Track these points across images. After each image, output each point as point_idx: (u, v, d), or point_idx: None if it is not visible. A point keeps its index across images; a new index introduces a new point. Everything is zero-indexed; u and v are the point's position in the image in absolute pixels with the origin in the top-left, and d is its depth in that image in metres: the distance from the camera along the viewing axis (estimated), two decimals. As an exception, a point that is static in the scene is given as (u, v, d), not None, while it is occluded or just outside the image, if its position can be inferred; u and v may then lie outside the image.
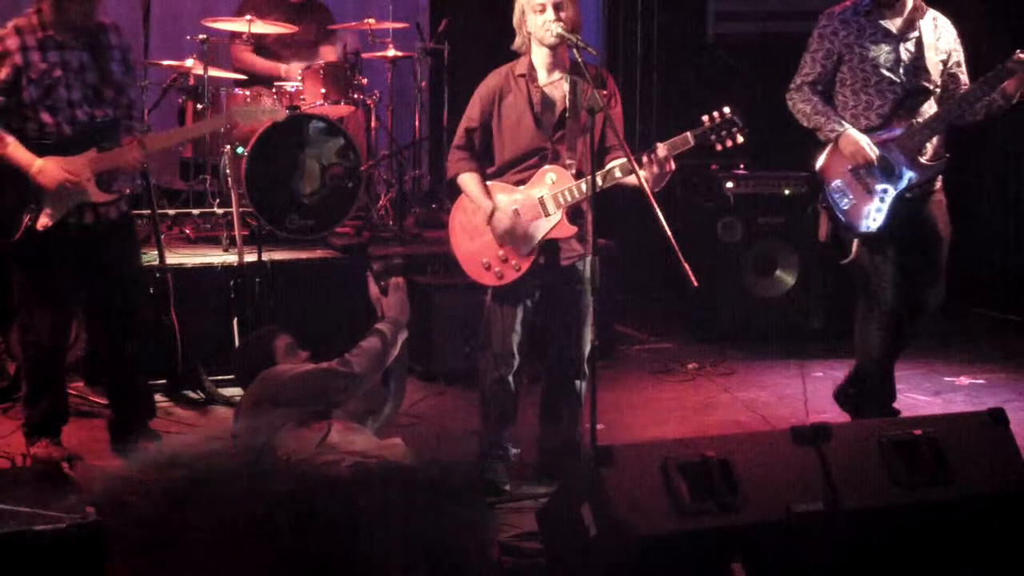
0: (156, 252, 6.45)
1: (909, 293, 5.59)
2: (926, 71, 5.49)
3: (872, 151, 5.43)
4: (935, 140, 5.51)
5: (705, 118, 5.09)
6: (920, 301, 5.66)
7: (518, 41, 5.28)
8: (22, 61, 5.19)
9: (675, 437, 5.56)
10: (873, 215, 5.47)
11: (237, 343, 6.61)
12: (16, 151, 5.17)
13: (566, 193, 5.15)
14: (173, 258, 6.77)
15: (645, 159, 5.03)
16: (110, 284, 5.46)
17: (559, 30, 5.08)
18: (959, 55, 5.60)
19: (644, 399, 6.67)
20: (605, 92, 5.10)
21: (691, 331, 7.94)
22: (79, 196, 5.27)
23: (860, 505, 3.98)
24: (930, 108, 5.51)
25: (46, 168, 5.18)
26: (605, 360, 6.78)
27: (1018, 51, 5.26)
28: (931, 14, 5.57)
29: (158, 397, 6.20)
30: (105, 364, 5.75)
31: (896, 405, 6.00)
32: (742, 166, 7.88)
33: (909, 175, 5.46)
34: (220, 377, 6.54)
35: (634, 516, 3.77)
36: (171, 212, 7.72)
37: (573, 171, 5.19)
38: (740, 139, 5.07)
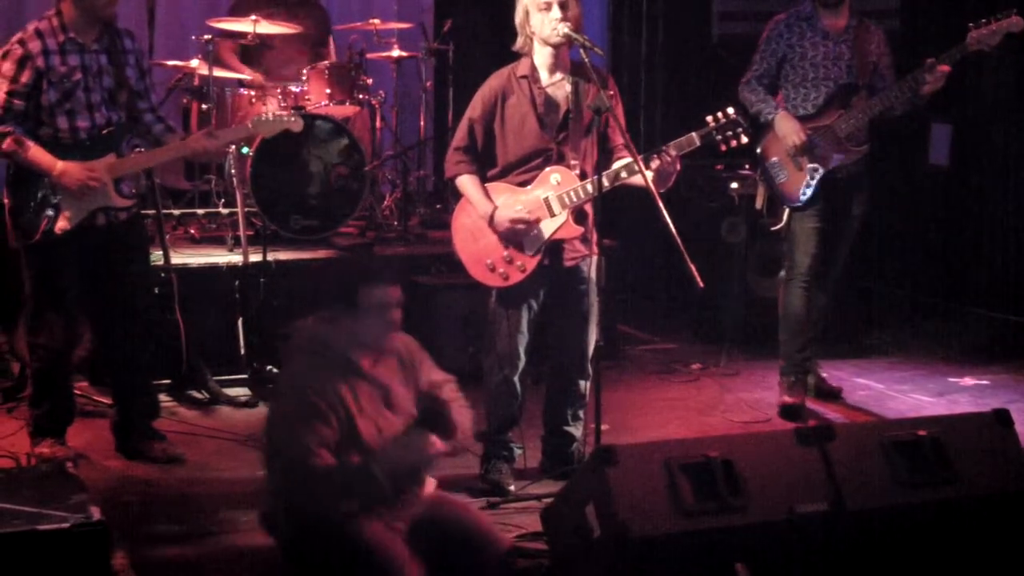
0: (161, 252, 6.45)
1: (822, 260, 6.33)
2: (856, 69, 6.19)
3: (800, 134, 6.10)
4: (862, 128, 6.17)
5: (709, 118, 5.11)
6: (825, 265, 6.37)
7: (520, 42, 5.27)
8: (44, 64, 5.21)
9: (678, 437, 5.57)
10: (803, 190, 6.19)
11: (242, 341, 6.62)
12: (38, 154, 5.19)
13: (572, 194, 5.15)
14: (178, 258, 6.77)
15: (652, 160, 5.03)
16: (117, 286, 5.47)
17: (565, 30, 5.07)
18: (888, 58, 6.28)
19: (648, 399, 6.67)
20: (610, 92, 5.10)
21: (695, 331, 7.94)
22: (99, 200, 5.29)
23: (863, 505, 3.98)
24: (859, 101, 6.14)
25: (68, 171, 5.20)
26: (609, 360, 6.79)
27: (929, 60, 5.92)
28: (864, 22, 6.29)
29: (162, 397, 6.20)
30: (110, 365, 5.76)
31: (900, 406, 6.03)
32: (747, 167, 7.87)
33: (837, 157, 6.15)
34: (224, 377, 6.56)
35: (637, 516, 3.77)
36: (176, 212, 7.74)
37: (577, 172, 5.20)
38: (744, 139, 5.17)
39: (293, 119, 5.71)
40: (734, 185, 7.75)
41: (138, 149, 5.47)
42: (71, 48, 5.26)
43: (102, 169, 5.27)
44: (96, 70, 5.30)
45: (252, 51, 7.99)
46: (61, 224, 5.24)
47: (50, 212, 5.23)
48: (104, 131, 5.31)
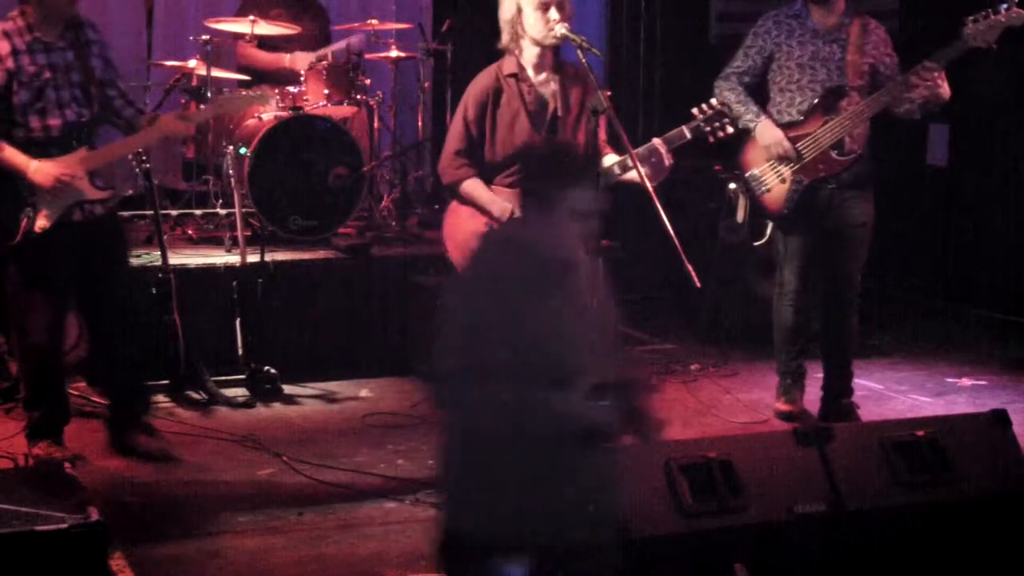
0: (159, 253, 6.45)
1: (821, 277, 6.00)
2: (848, 71, 5.76)
3: (784, 144, 5.76)
4: (853, 135, 5.76)
5: (695, 110, 5.13)
6: (831, 286, 6.01)
7: (506, 39, 5.25)
8: (14, 65, 5.21)
9: (677, 438, 5.56)
10: (785, 202, 5.85)
11: (240, 342, 6.61)
12: (12, 155, 5.20)
13: (568, 194, 5.15)
14: (175, 259, 6.77)
15: (642, 154, 5.03)
16: (101, 281, 5.47)
17: (563, 30, 5.07)
18: (891, 59, 5.82)
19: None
20: (609, 93, 5.10)
21: (693, 332, 7.93)
22: (75, 195, 5.29)
23: (862, 506, 3.98)
24: (849, 106, 5.74)
25: (42, 168, 5.21)
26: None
27: (924, 62, 5.52)
28: (863, 19, 5.84)
29: (160, 397, 6.21)
30: (98, 359, 5.76)
31: (899, 406, 6.01)
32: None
33: (822, 168, 5.76)
34: (222, 378, 6.55)
35: (637, 516, 3.76)
36: (174, 213, 7.73)
37: (572, 171, 5.20)
38: (730, 129, 5.21)
39: (259, 95, 5.73)
40: (732, 185, 7.73)
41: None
42: (38, 47, 5.26)
43: (75, 163, 5.27)
44: (64, 67, 5.30)
45: (271, 42, 7.99)
46: (40, 223, 5.23)
47: (28, 212, 5.23)
48: (74, 127, 5.31)
